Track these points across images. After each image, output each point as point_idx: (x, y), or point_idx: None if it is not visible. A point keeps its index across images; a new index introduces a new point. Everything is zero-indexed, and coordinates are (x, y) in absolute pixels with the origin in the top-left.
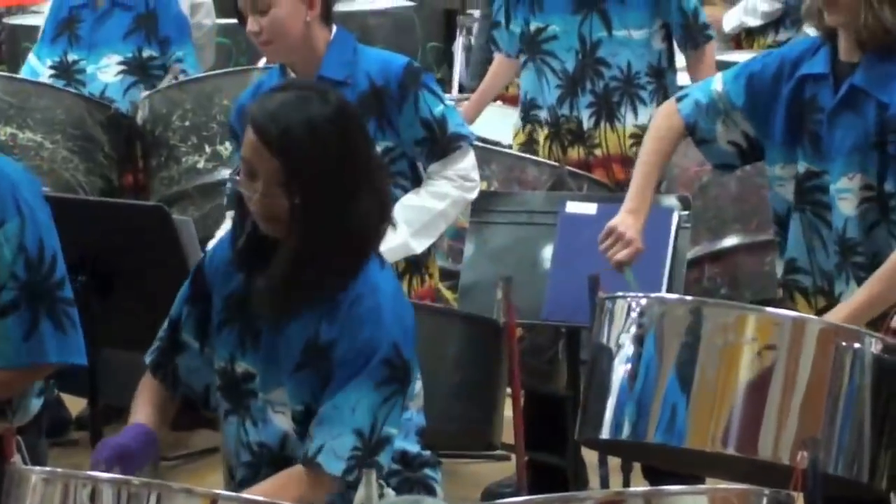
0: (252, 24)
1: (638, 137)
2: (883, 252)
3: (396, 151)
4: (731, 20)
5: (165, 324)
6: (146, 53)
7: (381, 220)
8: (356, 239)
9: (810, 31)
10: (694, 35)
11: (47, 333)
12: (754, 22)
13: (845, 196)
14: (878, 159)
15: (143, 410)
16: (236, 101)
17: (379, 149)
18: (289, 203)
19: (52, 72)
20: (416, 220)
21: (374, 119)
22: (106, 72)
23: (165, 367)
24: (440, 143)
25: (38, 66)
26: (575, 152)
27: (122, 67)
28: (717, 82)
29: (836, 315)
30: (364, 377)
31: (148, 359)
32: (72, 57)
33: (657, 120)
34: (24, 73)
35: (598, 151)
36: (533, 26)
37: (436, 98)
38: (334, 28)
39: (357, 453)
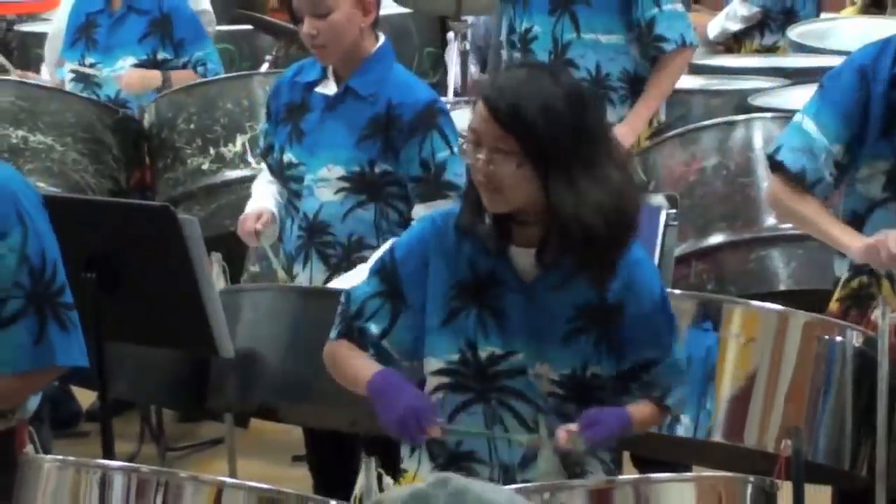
0: (309, 27)
1: None
2: None
3: (394, 176)
4: (715, 27)
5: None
6: (161, 56)
7: (634, 192)
8: (620, 207)
9: (792, 34)
10: (645, 46)
11: (55, 337)
12: (735, 26)
13: None
14: None
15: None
16: (277, 80)
17: (377, 170)
18: (516, 170)
19: (72, 75)
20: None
21: (379, 141)
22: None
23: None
24: (431, 186)
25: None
26: None
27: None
28: (808, 123)
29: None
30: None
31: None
32: (89, 60)
33: (783, 199)
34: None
35: None
36: (523, 27)
37: (444, 142)
38: (381, 38)
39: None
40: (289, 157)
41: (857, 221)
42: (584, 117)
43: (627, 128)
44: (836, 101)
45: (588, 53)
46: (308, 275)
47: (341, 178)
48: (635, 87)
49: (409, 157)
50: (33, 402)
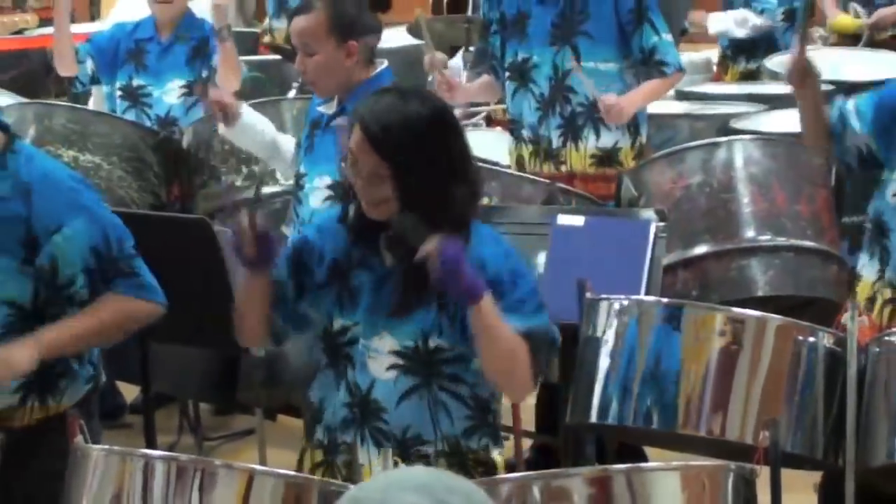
0: (299, 63)
1: (597, 157)
2: None
3: None
4: (718, 24)
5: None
6: (206, 77)
7: (473, 202)
8: (451, 220)
9: (769, 63)
10: (650, 71)
11: (140, 283)
12: (741, 33)
13: None
14: None
15: None
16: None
17: None
18: (390, 192)
19: (120, 93)
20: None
21: None
22: (170, 94)
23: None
24: None
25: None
26: (546, 167)
27: (184, 90)
28: (850, 103)
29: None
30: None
31: None
32: (137, 82)
33: None
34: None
35: (563, 168)
36: (520, 56)
37: None
38: (382, 65)
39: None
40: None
41: (881, 231)
42: (453, 140)
43: (627, 101)
44: (879, 101)
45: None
46: None
47: (329, 188)
48: None
49: None
50: (81, 390)
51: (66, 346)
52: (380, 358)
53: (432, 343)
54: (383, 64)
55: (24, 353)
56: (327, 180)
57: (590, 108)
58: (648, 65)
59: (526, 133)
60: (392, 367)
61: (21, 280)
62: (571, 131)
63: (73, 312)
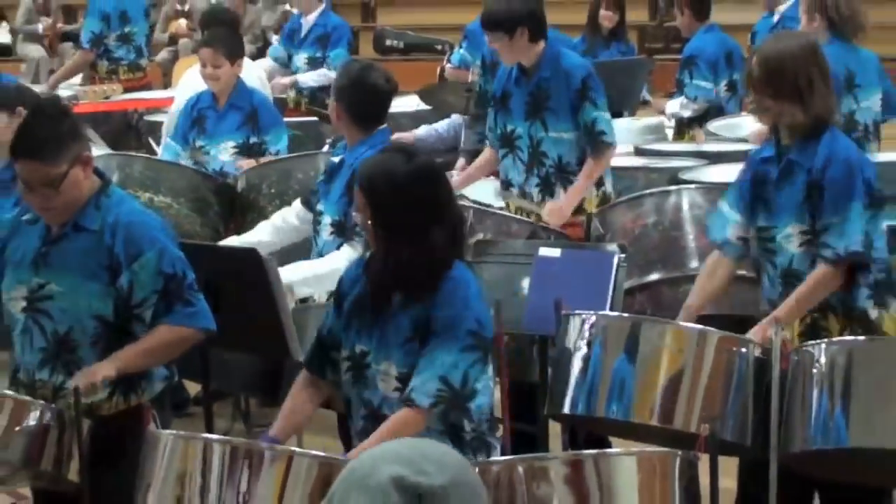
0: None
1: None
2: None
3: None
4: (670, 108)
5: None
6: (252, 140)
7: (454, 245)
8: (429, 260)
9: (710, 126)
10: (594, 142)
11: (193, 312)
12: (687, 113)
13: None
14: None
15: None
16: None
17: (353, 220)
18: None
19: (185, 153)
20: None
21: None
22: (224, 153)
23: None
24: None
25: (173, 151)
26: (532, 216)
27: (234, 150)
28: (723, 204)
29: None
30: (452, 342)
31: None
32: (198, 143)
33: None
34: (165, 153)
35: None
36: (508, 127)
37: None
38: (381, 126)
39: (442, 394)
40: (317, 208)
41: (757, 269)
42: (430, 190)
43: (566, 203)
44: (739, 183)
45: (553, 147)
46: None
47: (331, 224)
48: None
49: None
50: (158, 387)
51: (134, 365)
52: (388, 380)
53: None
54: (383, 126)
55: (106, 366)
56: (330, 219)
57: (559, 169)
58: (591, 134)
59: (515, 190)
60: (396, 389)
61: (107, 299)
62: (546, 188)
63: (141, 328)
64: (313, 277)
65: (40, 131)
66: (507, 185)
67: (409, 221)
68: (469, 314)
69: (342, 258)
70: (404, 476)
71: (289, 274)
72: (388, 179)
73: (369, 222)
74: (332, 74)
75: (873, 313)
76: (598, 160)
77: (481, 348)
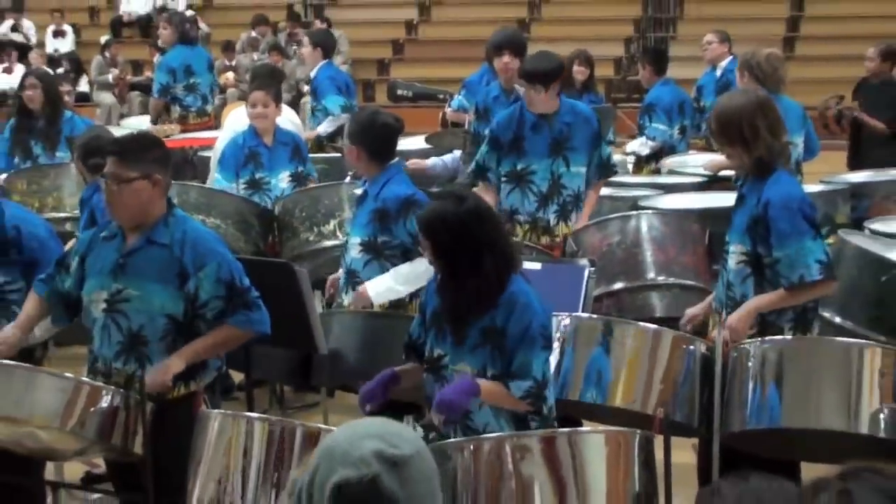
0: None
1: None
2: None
3: (392, 244)
4: (631, 147)
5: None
6: (300, 169)
7: (507, 267)
8: (486, 284)
9: (664, 162)
10: (607, 171)
11: (257, 318)
12: (644, 152)
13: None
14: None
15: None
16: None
17: (380, 240)
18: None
19: (244, 186)
20: (402, 275)
21: (379, 223)
22: (281, 181)
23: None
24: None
25: (223, 182)
26: (545, 239)
27: (290, 179)
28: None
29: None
30: (532, 345)
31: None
32: (258, 175)
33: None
34: (215, 185)
35: (557, 238)
36: (519, 167)
37: None
38: (394, 160)
39: (532, 390)
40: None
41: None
42: (478, 227)
43: (581, 220)
44: None
45: (573, 180)
46: None
47: (360, 244)
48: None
49: (401, 232)
50: (212, 374)
51: (197, 357)
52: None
53: (489, 372)
54: (395, 159)
55: (176, 362)
56: (358, 240)
57: (576, 198)
58: (606, 166)
59: (523, 217)
60: None
61: (177, 301)
62: (563, 214)
63: (205, 327)
64: (402, 277)
65: (134, 143)
66: (511, 213)
67: (465, 255)
68: (535, 319)
69: (419, 261)
70: (382, 449)
71: (376, 286)
72: (443, 222)
73: (433, 258)
74: (336, 117)
75: (788, 336)
76: (602, 184)
77: (549, 342)
